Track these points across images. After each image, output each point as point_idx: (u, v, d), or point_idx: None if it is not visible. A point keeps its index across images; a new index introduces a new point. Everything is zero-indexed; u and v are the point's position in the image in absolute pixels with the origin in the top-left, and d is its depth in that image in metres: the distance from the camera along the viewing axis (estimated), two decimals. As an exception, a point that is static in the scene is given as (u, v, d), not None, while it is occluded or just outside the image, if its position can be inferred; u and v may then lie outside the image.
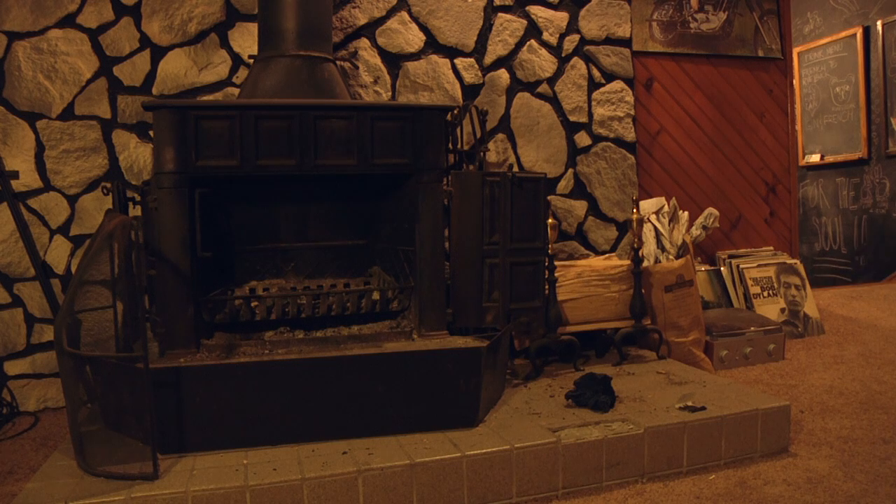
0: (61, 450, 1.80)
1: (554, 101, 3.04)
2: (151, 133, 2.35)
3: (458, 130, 2.50)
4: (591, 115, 3.10)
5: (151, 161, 2.51)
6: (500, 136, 2.96)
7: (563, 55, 3.05)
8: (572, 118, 3.07)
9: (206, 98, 2.58)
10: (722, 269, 3.37)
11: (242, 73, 2.61)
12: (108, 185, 2.22)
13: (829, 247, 4.45)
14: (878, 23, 4.62)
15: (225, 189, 2.06)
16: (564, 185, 3.08)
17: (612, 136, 3.14)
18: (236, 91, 2.59)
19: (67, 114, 2.47)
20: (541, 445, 1.77)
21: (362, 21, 2.76)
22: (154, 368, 1.70)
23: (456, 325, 2.17)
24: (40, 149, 2.45)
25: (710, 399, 2.04)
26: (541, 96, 3.02)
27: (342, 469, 1.65)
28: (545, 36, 3.01)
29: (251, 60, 2.43)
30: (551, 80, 3.03)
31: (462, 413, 1.90)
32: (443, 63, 2.86)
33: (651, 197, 3.29)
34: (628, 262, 2.64)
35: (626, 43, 3.15)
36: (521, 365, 2.46)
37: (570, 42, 3.06)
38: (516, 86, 2.98)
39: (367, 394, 1.85)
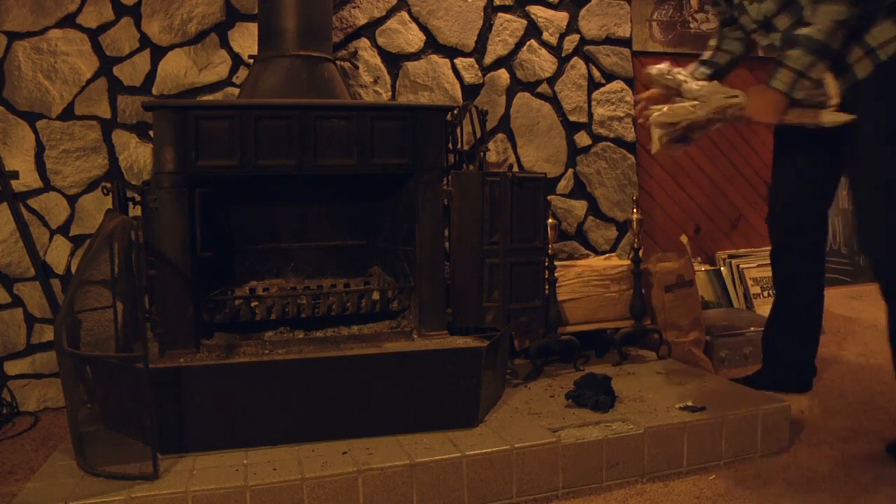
0: (61, 450, 1.80)
1: (554, 101, 3.04)
2: (151, 133, 2.35)
3: (458, 130, 2.50)
4: (591, 114, 3.10)
5: (151, 161, 2.51)
6: (500, 136, 2.96)
7: (563, 55, 3.05)
8: (572, 118, 3.07)
9: (206, 98, 2.58)
10: (722, 269, 3.37)
11: (242, 73, 2.61)
12: (108, 185, 2.22)
13: (829, 247, 4.44)
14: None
15: (225, 189, 2.06)
16: (564, 185, 3.08)
17: (612, 136, 3.14)
18: (236, 91, 2.59)
19: (67, 114, 2.47)
20: (541, 445, 1.77)
21: (362, 21, 2.76)
22: (154, 368, 1.70)
23: (456, 325, 2.17)
24: (40, 149, 2.45)
25: (710, 399, 2.04)
26: (541, 96, 3.02)
27: (342, 469, 1.65)
28: (545, 36, 3.01)
29: (251, 60, 2.43)
30: (551, 80, 3.03)
31: (462, 413, 1.90)
32: (443, 63, 2.86)
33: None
34: (628, 262, 2.64)
35: (626, 43, 3.15)
36: (521, 365, 2.46)
37: (570, 42, 3.06)
38: (516, 86, 2.98)
39: (367, 394, 1.85)
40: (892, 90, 1.88)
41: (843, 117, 1.89)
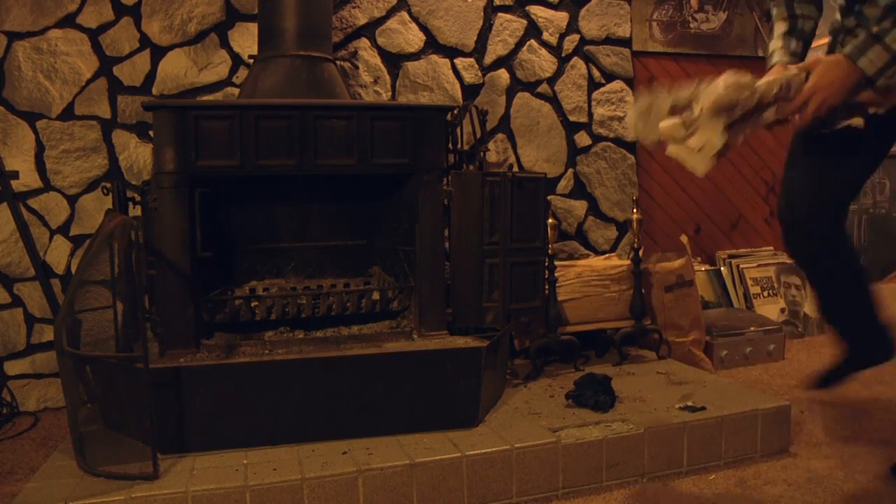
0: (61, 450, 1.80)
1: (554, 101, 3.04)
2: (151, 133, 2.35)
3: (458, 130, 2.49)
4: (591, 114, 3.10)
5: (151, 161, 2.51)
6: (500, 136, 2.96)
7: (563, 55, 3.04)
8: (572, 118, 3.07)
9: (206, 98, 2.58)
10: (722, 269, 3.37)
11: (242, 73, 2.61)
12: (108, 185, 2.22)
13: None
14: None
15: (225, 189, 2.06)
16: (564, 185, 3.08)
17: (612, 135, 3.14)
18: (236, 91, 2.59)
19: (67, 114, 2.47)
20: (541, 445, 1.77)
21: (362, 21, 2.76)
22: (154, 368, 1.70)
23: (456, 325, 2.17)
24: (40, 149, 2.45)
25: (710, 399, 2.04)
26: (541, 96, 3.02)
27: (342, 469, 1.65)
28: (545, 36, 3.01)
29: (251, 60, 2.43)
30: (551, 80, 3.03)
31: (462, 413, 1.90)
32: (443, 63, 2.86)
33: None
34: (628, 262, 2.64)
35: (626, 43, 3.15)
36: (521, 365, 2.46)
37: (570, 42, 3.06)
38: (516, 86, 2.98)
39: (367, 394, 1.85)
40: None
41: None
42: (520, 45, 2.97)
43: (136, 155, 2.54)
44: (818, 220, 1.95)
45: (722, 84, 1.64)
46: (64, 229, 2.49)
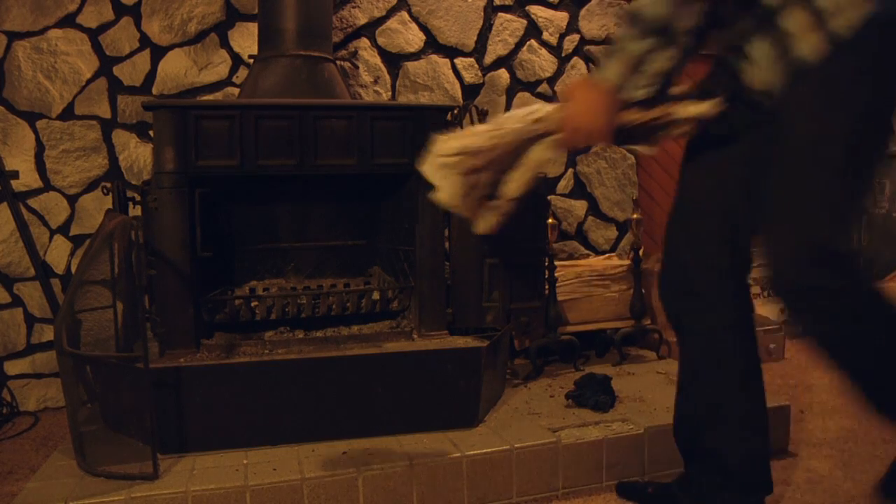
0: (61, 450, 1.80)
1: (554, 100, 3.04)
2: (151, 133, 2.35)
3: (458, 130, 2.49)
4: (591, 114, 3.10)
5: (151, 161, 2.51)
6: (500, 135, 2.96)
7: (563, 55, 3.04)
8: (572, 118, 3.06)
9: (206, 98, 2.58)
10: (722, 268, 3.36)
11: (242, 73, 2.61)
12: (108, 185, 2.22)
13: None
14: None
15: (225, 189, 2.06)
16: (564, 184, 3.08)
17: (612, 135, 3.14)
18: (236, 91, 2.59)
19: (67, 114, 2.47)
20: (541, 445, 1.77)
21: (362, 21, 2.76)
22: (154, 368, 1.70)
23: (456, 325, 2.17)
24: (40, 149, 2.45)
25: (710, 399, 2.03)
26: (541, 96, 3.02)
27: (342, 469, 1.65)
28: (545, 36, 3.01)
29: (251, 60, 2.43)
30: (551, 80, 3.03)
31: (462, 413, 1.90)
32: (443, 63, 2.86)
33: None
34: (628, 262, 2.64)
35: (626, 43, 3.15)
36: (521, 365, 2.46)
37: (570, 42, 3.06)
38: (516, 85, 2.98)
39: (367, 394, 1.85)
40: (856, 82, 1.21)
41: (713, 106, 1.36)
42: (520, 44, 2.97)
43: (136, 155, 2.54)
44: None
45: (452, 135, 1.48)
46: (64, 229, 2.49)
